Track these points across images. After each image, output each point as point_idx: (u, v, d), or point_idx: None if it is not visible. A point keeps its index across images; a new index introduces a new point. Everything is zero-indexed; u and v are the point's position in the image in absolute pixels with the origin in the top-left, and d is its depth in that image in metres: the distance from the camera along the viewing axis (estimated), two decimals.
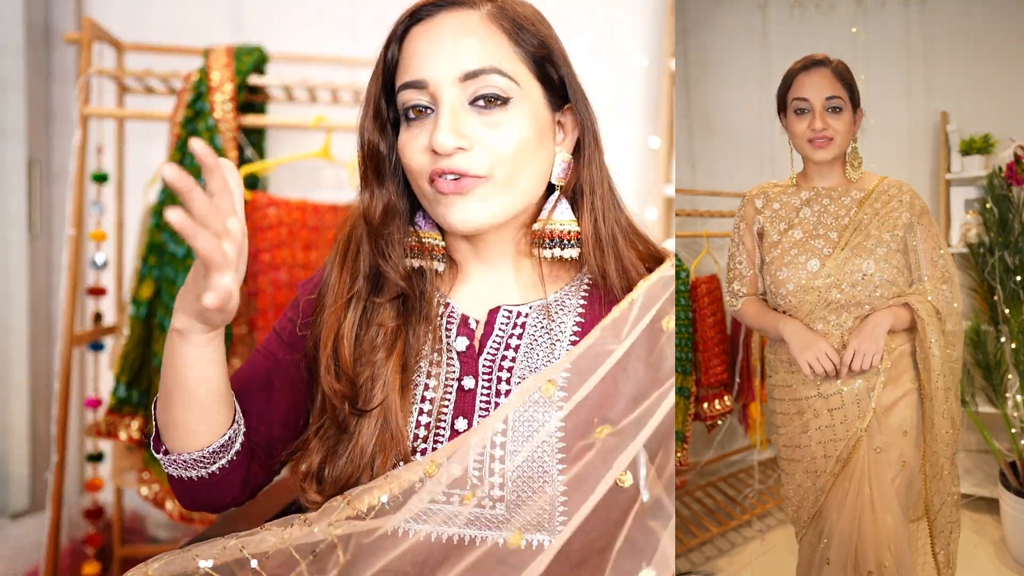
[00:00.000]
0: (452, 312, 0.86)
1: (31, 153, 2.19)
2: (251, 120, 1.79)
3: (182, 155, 1.72)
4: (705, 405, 1.74)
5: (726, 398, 1.76)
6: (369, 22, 2.13)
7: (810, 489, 1.14)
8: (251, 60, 1.80)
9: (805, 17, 2.33)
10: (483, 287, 0.88)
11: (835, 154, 1.13)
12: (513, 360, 0.81)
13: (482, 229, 0.81)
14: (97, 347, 1.92)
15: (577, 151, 0.88)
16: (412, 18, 0.82)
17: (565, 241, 0.83)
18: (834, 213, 1.12)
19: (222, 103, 1.72)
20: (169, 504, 1.78)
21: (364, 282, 0.85)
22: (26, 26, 2.15)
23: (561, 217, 0.84)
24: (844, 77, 1.14)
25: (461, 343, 0.84)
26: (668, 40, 2.16)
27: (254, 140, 1.90)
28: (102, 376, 1.94)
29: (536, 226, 0.84)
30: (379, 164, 0.84)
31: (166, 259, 1.72)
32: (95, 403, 1.90)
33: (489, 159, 0.78)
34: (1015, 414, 1.77)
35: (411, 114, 0.81)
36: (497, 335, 0.83)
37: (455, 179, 0.77)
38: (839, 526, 1.10)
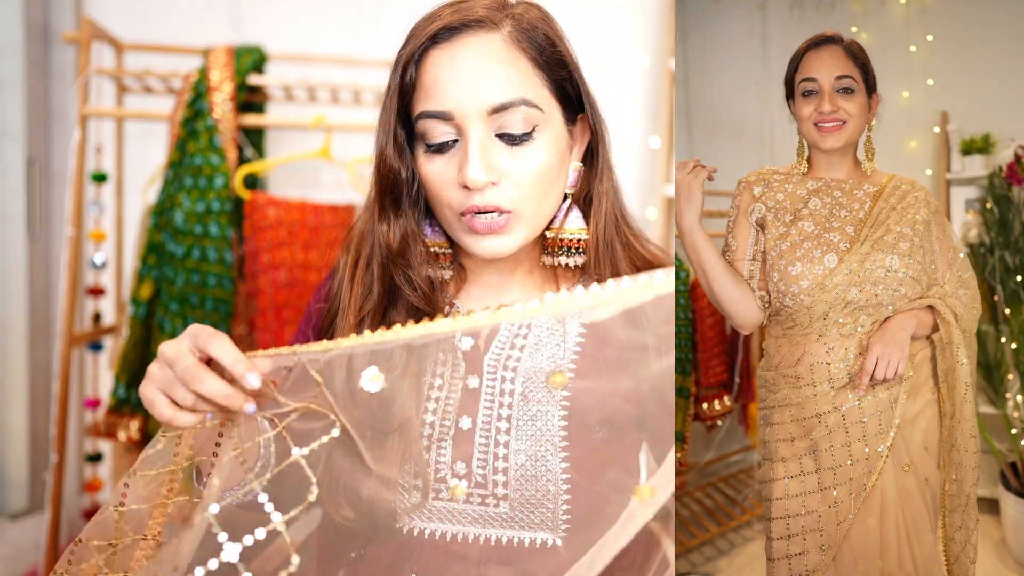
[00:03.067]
0: (458, 313, 0.87)
1: (30, 153, 2.19)
2: (251, 120, 1.79)
3: (181, 155, 1.71)
4: (705, 405, 1.74)
5: (726, 398, 1.76)
6: (369, 22, 2.13)
7: (813, 536, 0.94)
8: (250, 60, 1.80)
9: (805, 17, 2.33)
10: (490, 289, 0.89)
11: (846, 141, 1.00)
12: (518, 360, 0.81)
13: (507, 256, 0.82)
14: (96, 347, 1.92)
15: (587, 159, 0.88)
16: (431, 40, 0.79)
17: (574, 249, 0.85)
18: (847, 206, 0.99)
19: (221, 103, 1.72)
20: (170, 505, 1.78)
21: (377, 300, 0.84)
22: (25, 26, 2.14)
23: (572, 226, 0.85)
24: (857, 56, 1.02)
25: (466, 343, 0.83)
26: (668, 40, 2.16)
27: (254, 140, 1.90)
28: (101, 376, 1.94)
29: (549, 234, 0.85)
30: (398, 193, 0.83)
31: (166, 259, 1.71)
32: (94, 403, 1.90)
33: (517, 192, 0.78)
34: (1015, 414, 1.77)
35: (432, 143, 0.80)
36: (503, 335, 0.83)
37: (489, 219, 0.78)
38: (865, 570, 0.92)
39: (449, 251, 0.86)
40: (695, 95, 2.51)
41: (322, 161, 1.84)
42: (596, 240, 0.85)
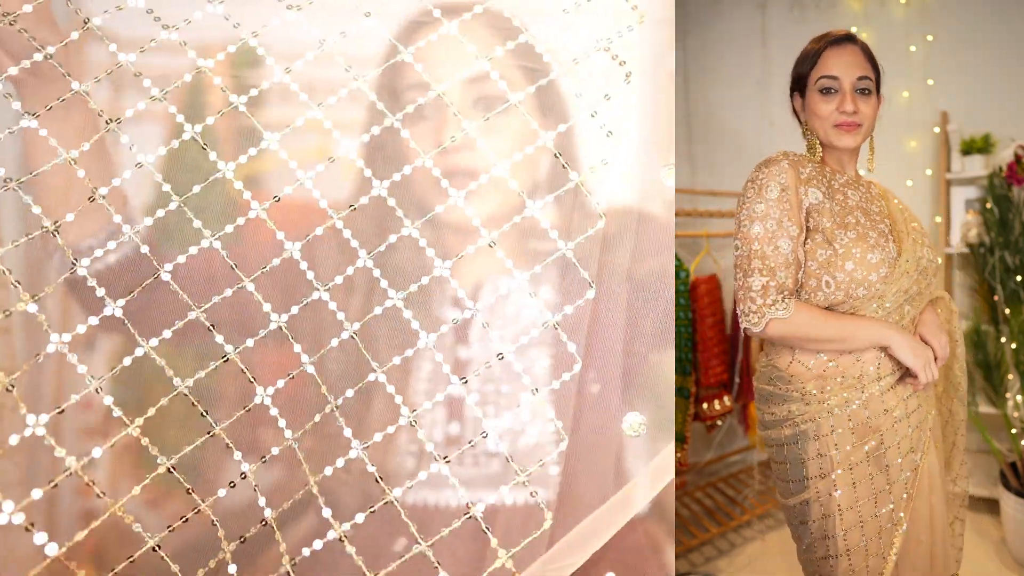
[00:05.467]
0: (445, 287, 0.93)
1: None
2: (248, 119, 1.78)
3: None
4: (705, 405, 1.74)
5: (726, 398, 1.75)
6: (369, 22, 2.12)
7: (878, 561, 0.95)
8: (250, 59, 1.80)
9: (805, 17, 2.33)
10: (474, 265, 0.93)
11: (859, 142, 0.98)
12: (503, 327, 0.88)
13: (480, 222, 0.87)
14: (92, 347, 1.92)
15: (560, 150, 0.95)
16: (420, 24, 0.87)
17: (547, 232, 0.92)
18: (874, 201, 0.99)
19: (220, 102, 1.72)
20: (165, 506, 1.78)
21: (365, 270, 0.90)
22: None
23: (545, 212, 0.90)
24: (872, 57, 1.00)
25: (452, 314, 0.90)
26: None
27: (253, 140, 1.90)
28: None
29: (524, 218, 0.92)
30: (385, 158, 0.91)
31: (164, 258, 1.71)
32: (89, 404, 1.89)
33: (488, 158, 0.83)
34: (1015, 414, 1.76)
35: None
36: (485, 304, 0.89)
37: (460, 177, 0.83)
38: (915, 540, 0.94)
39: (432, 231, 0.96)
40: (695, 95, 2.51)
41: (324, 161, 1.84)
42: (567, 225, 0.92)
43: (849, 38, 0.98)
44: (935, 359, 0.96)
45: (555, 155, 0.90)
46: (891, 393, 0.94)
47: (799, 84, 1.01)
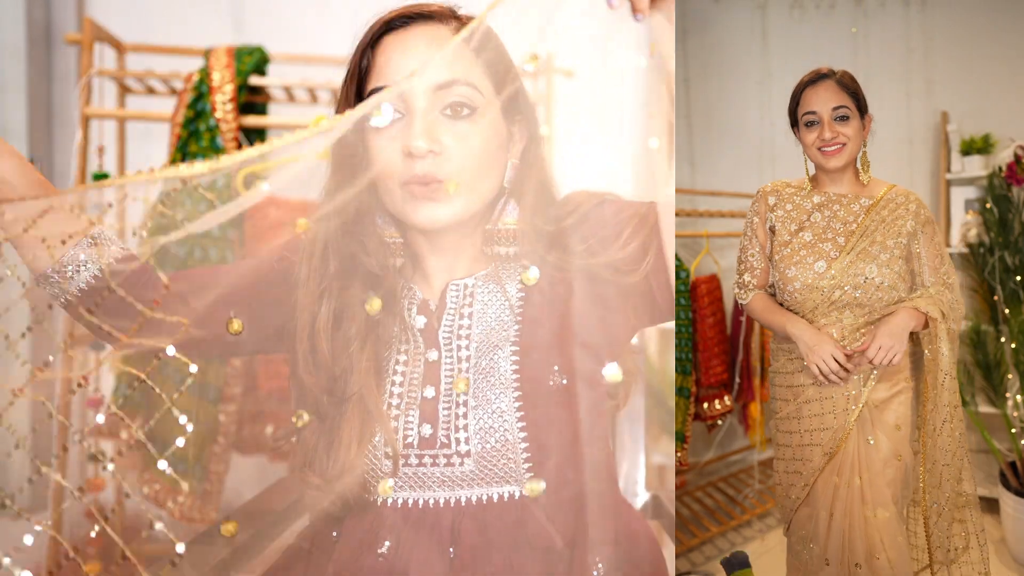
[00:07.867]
0: (414, 295, 0.94)
1: (32, 153, 2.20)
2: (252, 121, 1.79)
3: (183, 155, 1.72)
4: (705, 405, 1.74)
5: (726, 398, 1.76)
6: (370, 23, 2.12)
7: (796, 476, 1.21)
8: (252, 60, 1.80)
9: (805, 17, 2.33)
10: (439, 272, 0.95)
11: (847, 160, 1.21)
12: (470, 328, 0.90)
13: (443, 227, 0.87)
14: (98, 346, 1.93)
15: (524, 157, 0.95)
16: (386, 27, 0.88)
17: (510, 239, 0.93)
18: (843, 219, 1.21)
19: (223, 103, 1.72)
20: (170, 503, 1.79)
21: (335, 277, 0.90)
22: (27, 26, 2.15)
23: (509, 219, 0.92)
24: (849, 87, 1.22)
25: (420, 321, 0.91)
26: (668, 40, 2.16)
27: (255, 141, 1.90)
28: (103, 376, 1.94)
29: (488, 227, 0.93)
30: (355, 165, 0.90)
31: (167, 259, 1.72)
32: (96, 403, 1.90)
33: (456, 164, 0.85)
34: (1015, 414, 1.76)
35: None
36: (450, 308, 0.91)
37: (426, 184, 0.84)
38: (825, 520, 1.15)
39: (400, 240, 0.93)
40: (695, 95, 2.51)
41: (323, 162, 1.84)
42: (532, 227, 0.91)
43: (824, 76, 1.22)
44: (847, 356, 1.14)
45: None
46: (803, 374, 1.20)
47: (792, 119, 1.25)
